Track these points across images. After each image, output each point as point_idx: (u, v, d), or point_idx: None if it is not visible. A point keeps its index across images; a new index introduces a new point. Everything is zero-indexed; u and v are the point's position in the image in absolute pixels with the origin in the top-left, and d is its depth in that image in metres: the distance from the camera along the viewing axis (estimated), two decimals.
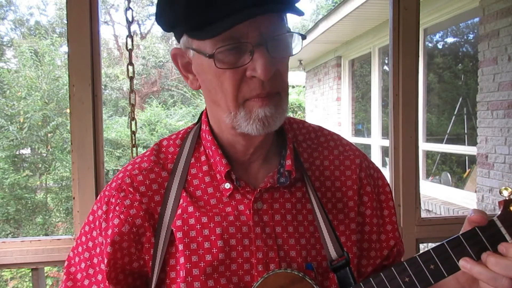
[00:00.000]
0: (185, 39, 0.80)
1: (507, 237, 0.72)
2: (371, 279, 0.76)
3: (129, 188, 0.84)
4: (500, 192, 0.74)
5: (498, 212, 0.74)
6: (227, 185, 0.84)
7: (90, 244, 0.87)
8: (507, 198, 0.73)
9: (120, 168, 0.92)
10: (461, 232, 0.75)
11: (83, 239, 0.88)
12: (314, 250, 0.85)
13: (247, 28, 0.73)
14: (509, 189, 0.73)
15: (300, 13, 0.76)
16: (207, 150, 0.87)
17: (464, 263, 0.72)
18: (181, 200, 0.84)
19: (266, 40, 0.74)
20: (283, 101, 0.80)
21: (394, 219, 0.96)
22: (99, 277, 0.84)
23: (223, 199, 0.84)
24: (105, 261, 0.82)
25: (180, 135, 0.92)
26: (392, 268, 0.75)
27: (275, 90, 0.78)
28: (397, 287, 0.74)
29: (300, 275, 0.79)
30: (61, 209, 8.93)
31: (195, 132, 0.91)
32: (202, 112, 0.92)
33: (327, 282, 0.84)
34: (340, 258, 0.82)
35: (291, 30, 0.80)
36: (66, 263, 0.90)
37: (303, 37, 0.80)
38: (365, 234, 0.93)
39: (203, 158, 0.87)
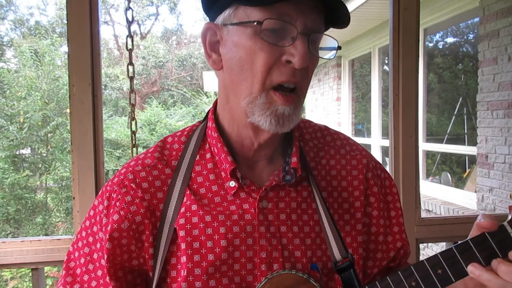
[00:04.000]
0: (226, 14, 0.78)
1: None
2: (377, 283, 0.75)
3: (131, 184, 0.83)
4: (511, 196, 0.72)
5: (509, 217, 0.72)
6: (232, 183, 0.82)
7: (91, 239, 0.86)
8: None
9: (122, 166, 0.92)
10: (469, 237, 0.73)
11: (83, 234, 0.87)
12: (320, 250, 0.84)
13: (296, 14, 0.74)
14: None
15: (345, 23, 0.78)
16: (212, 148, 0.86)
17: (473, 269, 0.70)
18: (185, 198, 0.83)
19: (310, 33, 0.75)
20: (301, 103, 0.81)
21: (401, 220, 0.95)
22: (99, 272, 0.83)
23: (228, 197, 0.83)
24: (105, 257, 0.81)
25: (185, 132, 0.91)
26: (399, 272, 0.74)
27: (300, 85, 0.78)
28: None
29: (305, 277, 0.77)
30: (61, 209, 8.94)
31: (201, 129, 0.89)
32: (209, 109, 0.91)
33: (332, 282, 0.83)
34: (344, 260, 0.81)
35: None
36: (65, 258, 0.88)
37: (339, 48, 0.82)
38: (372, 235, 0.91)
39: (208, 155, 0.86)
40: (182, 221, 0.81)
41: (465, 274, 0.72)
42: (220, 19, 0.80)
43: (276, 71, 0.75)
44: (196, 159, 0.86)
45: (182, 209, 0.82)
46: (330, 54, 0.82)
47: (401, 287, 0.73)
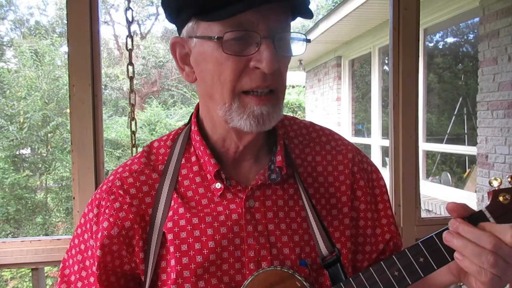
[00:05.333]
0: (189, 27, 0.79)
1: None
2: (360, 274, 0.75)
3: (119, 191, 0.84)
4: (490, 183, 0.74)
5: (487, 202, 0.74)
6: (218, 185, 0.83)
7: (82, 246, 0.87)
8: (496, 189, 0.73)
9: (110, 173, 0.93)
10: None
11: (76, 241, 0.89)
12: (308, 246, 0.84)
13: (257, 20, 0.73)
14: (499, 180, 0.73)
15: (309, 16, 0.76)
16: (197, 151, 0.87)
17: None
18: (172, 202, 0.84)
19: (274, 35, 0.74)
20: (280, 101, 0.80)
21: (390, 212, 0.95)
22: (91, 279, 0.84)
23: (215, 199, 0.84)
24: (96, 264, 0.82)
25: (171, 136, 0.92)
26: (381, 262, 0.75)
27: (275, 86, 0.78)
28: (387, 281, 0.73)
29: (290, 272, 0.79)
30: (61, 209, 8.94)
31: (186, 133, 0.90)
32: (192, 113, 0.92)
33: (322, 278, 0.84)
34: (331, 255, 0.82)
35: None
36: (61, 265, 0.90)
37: (308, 41, 0.80)
38: (360, 228, 0.92)
39: (193, 158, 0.87)
40: (170, 224, 0.82)
41: (447, 261, 0.73)
42: (184, 32, 0.80)
43: (245, 77, 0.76)
44: (182, 162, 0.87)
45: (170, 213, 0.83)
46: (301, 49, 0.81)
47: (384, 277, 0.74)
